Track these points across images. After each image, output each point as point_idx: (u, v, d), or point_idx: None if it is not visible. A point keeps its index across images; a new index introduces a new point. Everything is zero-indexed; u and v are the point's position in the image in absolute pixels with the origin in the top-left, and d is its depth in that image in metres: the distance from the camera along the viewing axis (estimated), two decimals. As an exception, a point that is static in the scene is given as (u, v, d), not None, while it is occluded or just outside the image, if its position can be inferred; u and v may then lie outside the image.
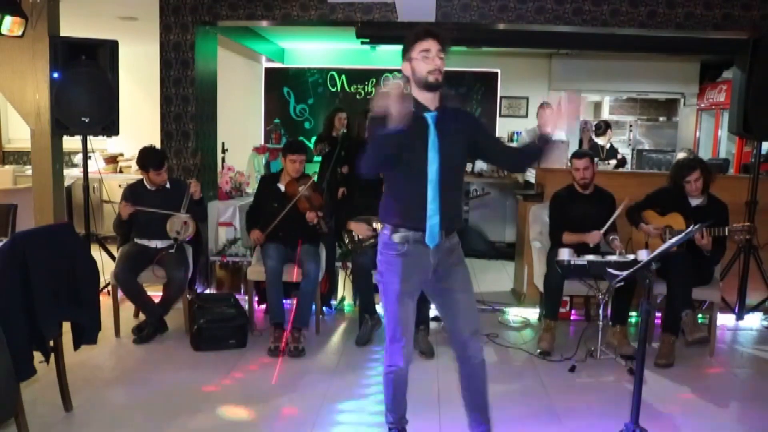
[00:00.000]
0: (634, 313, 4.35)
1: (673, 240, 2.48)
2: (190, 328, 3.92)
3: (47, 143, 4.64)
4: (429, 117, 2.35)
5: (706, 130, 8.30)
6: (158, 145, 4.63)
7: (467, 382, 2.56)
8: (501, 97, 7.96)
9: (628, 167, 6.99)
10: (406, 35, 2.35)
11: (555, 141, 2.44)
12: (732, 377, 3.71)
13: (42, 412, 2.88)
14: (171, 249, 3.99)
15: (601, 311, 3.84)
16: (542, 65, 8.10)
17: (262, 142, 7.28)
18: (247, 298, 4.36)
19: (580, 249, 3.82)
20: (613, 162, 6.61)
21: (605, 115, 8.72)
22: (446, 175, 2.35)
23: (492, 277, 5.74)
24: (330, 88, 7.56)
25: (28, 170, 6.45)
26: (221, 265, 4.95)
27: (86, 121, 4.51)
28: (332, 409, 3.09)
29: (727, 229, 3.71)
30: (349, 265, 4.50)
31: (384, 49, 7.51)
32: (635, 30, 4.73)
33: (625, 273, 2.58)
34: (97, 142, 5.27)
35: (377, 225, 4.03)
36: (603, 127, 6.73)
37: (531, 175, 5.52)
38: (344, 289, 4.86)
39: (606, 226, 3.89)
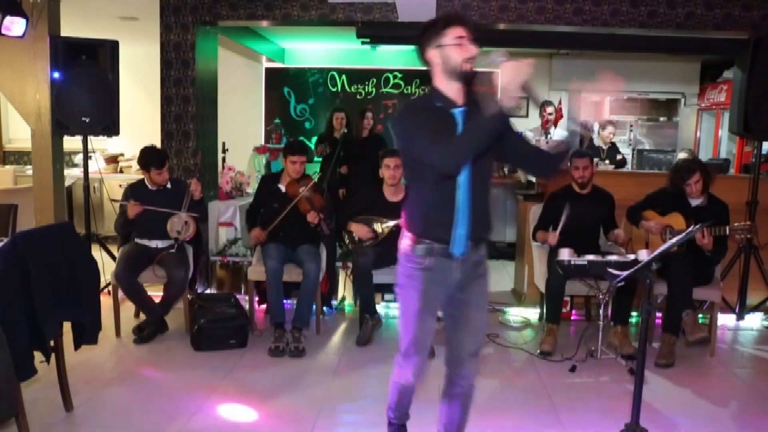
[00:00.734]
0: (634, 313, 4.35)
1: (674, 240, 2.47)
2: (191, 328, 3.92)
3: (48, 143, 4.64)
4: (457, 113, 2.10)
5: (706, 130, 8.29)
6: (159, 145, 4.64)
7: (447, 416, 2.39)
8: (501, 98, 7.92)
9: (628, 167, 6.97)
10: (429, 22, 2.10)
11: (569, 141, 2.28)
12: (732, 377, 3.71)
13: (42, 412, 2.88)
14: (171, 249, 3.99)
15: (601, 311, 3.84)
16: (542, 65, 8.07)
17: (263, 142, 7.26)
18: (247, 298, 4.37)
19: (581, 249, 3.82)
20: (611, 166, 6.57)
21: (605, 115, 8.69)
22: (477, 179, 2.10)
23: (492, 277, 5.65)
24: (330, 88, 7.55)
25: (29, 170, 6.45)
26: (222, 265, 4.95)
27: (87, 121, 4.51)
28: (332, 409, 3.09)
29: (727, 228, 3.71)
30: (350, 265, 4.50)
31: (384, 49, 7.50)
32: (636, 30, 4.73)
33: (625, 273, 2.57)
34: (97, 142, 5.28)
35: (377, 226, 4.04)
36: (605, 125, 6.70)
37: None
38: (344, 289, 4.87)
39: (560, 227, 3.83)
